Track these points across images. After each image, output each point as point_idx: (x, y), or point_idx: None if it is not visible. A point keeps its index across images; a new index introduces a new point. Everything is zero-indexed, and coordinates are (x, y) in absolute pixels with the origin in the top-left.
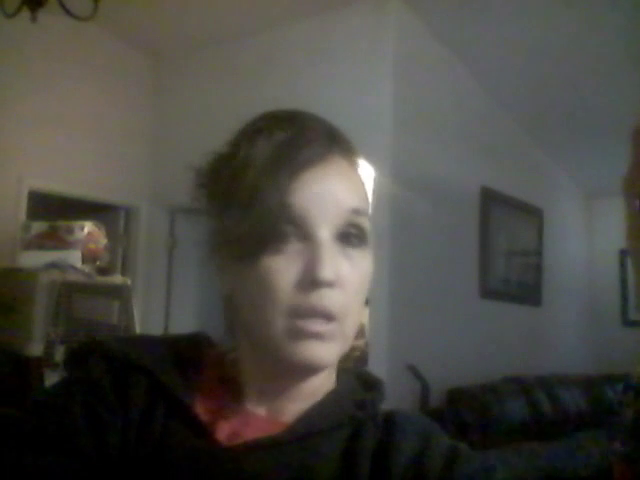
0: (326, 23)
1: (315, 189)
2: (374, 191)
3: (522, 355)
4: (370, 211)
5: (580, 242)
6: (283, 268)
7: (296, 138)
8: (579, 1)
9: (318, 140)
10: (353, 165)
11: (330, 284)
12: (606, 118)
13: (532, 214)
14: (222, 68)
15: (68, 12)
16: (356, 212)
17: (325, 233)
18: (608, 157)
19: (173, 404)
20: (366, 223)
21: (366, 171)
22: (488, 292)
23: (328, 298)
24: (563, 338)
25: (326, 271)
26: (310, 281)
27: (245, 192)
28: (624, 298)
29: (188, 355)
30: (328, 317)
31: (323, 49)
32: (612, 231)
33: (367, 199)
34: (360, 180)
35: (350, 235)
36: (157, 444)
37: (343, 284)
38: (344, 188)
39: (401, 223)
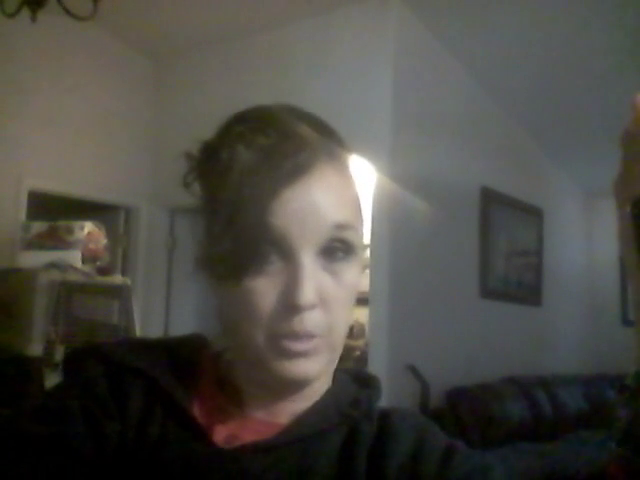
0: (326, 23)
1: (297, 206)
2: (374, 191)
3: (522, 355)
4: (359, 219)
5: (580, 242)
6: (264, 290)
7: (278, 147)
8: (579, 2)
9: (302, 148)
10: (341, 170)
11: (311, 307)
12: (606, 118)
13: (532, 214)
14: (222, 68)
15: (68, 12)
16: (340, 227)
17: (307, 253)
18: (608, 157)
19: (170, 407)
20: (352, 236)
21: (361, 169)
22: (488, 292)
23: (310, 320)
24: (563, 338)
25: (306, 296)
26: (290, 305)
27: (225, 208)
28: (624, 298)
29: (185, 357)
30: (311, 337)
31: (323, 49)
32: (612, 231)
33: (355, 208)
34: (348, 187)
35: (335, 249)
36: (155, 447)
37: (327, 303)
38: (328, 202)
39: (401, 223)
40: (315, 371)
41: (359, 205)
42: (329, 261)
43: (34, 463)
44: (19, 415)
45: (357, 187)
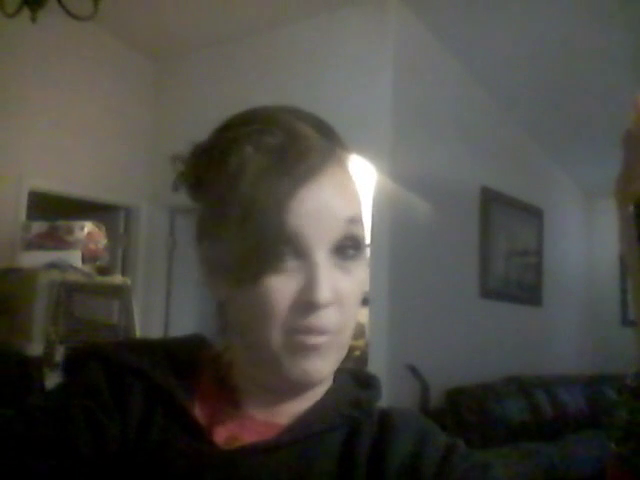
0: (326, 23)
1: (310, 206)
2: (374, 191)
3: (522, 355)
4: (363, 213)
5: (580, 242)
6: (280, 288)
7: (287, 148)
8: (580, 3)
9: (310, 149)
10: (345, 168)
11: (328, 304)
12: (606, 118)
13: (532, 214)
14: (222, 68)
15: (68, 12)
16: (351, 221)
17: (322, 251)
18: (608, 157)
19: (171, 408)
20: (361, 230)
21: (361, 168)
22: (488, 292)
23: (326, 317)
24: (563, 338)
25: (323, 293)
26: (308, 303)
27: (238, 213)
28: (624, 298)
29: (185, 358)
30: (325, 332)
31: (323, 49)
32: (612, 231)
33: (360, 202)
34: (353, 183)
35: (347, 247)
36: (156, 448)
37: (341, 300)
38: (339, 199)
39: (401, 223)
40: (326, 369)
41: (361, 202)
42: (341, 259)
43: (35, 464)
44: (20, 416)
45: (358, 184)
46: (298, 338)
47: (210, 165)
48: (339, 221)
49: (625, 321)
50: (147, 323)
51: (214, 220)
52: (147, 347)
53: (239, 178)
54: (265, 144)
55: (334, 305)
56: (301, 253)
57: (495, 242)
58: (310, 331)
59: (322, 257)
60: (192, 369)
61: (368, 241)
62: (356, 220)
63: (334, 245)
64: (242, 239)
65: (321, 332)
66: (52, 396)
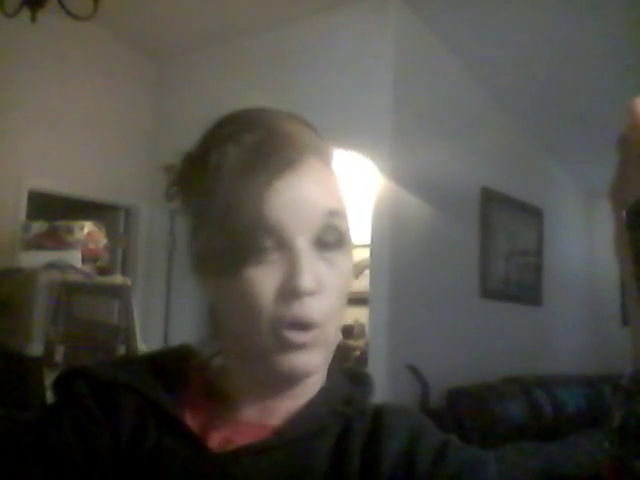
0: (327, 23)
1: (289, 196)
2: (374, 191)
3: (522, 355)
4: (347, 210)
5: (580, 242)
6: (263, 279)
7: (265, 143)
8: (579, 3)
9: (289, 143)
10: (327, 165)
11: (311, 293)
12: (607, 118)
13: (532, 214)
14: (223, 68)
15: (68, 12)
16: (332, 214)
17: (302, 241)
18: (608, 157)
19: (163, 419)
20: (343, 224)
21: (361, 168)
22: (488, 292)
23: (310, 307)
24: (563, 338)
25: (306, 281)
26: (291, 291)
27: (219, 206)
28: (624, 298)
29: (172, 368)
30: (311, 325)
31: (323, 49)
32: (612, 231)
33: (343, 199)
34: (335, 180)
35: (328, 238)
36: (150, 457)
37: (324, 290)
38: (318, 191)
39: (401, 223)
40: (315, 364)
41: (345, 197)
42: (323, 250)
43: (26, 474)
44: (14, 432)
45: (341, 181)
46: (284, 334)
47: (194, 167)
48: (318, 212)
49: (625, 321)
50: (147, 323)
51: (199, 218)
52: (133, 363)
53: (218, 174)
54: (244, 141)
55: (318, 295)
56: (282, 244)
57: (495, 242)
58: (295, 323)
59: (303, 246)
60: (181, 379)
61: (366, 242)
62: (337, 213)
63: (315, 236)
64: (223, 232)
65: (306, 324)
66: (41, 415)
